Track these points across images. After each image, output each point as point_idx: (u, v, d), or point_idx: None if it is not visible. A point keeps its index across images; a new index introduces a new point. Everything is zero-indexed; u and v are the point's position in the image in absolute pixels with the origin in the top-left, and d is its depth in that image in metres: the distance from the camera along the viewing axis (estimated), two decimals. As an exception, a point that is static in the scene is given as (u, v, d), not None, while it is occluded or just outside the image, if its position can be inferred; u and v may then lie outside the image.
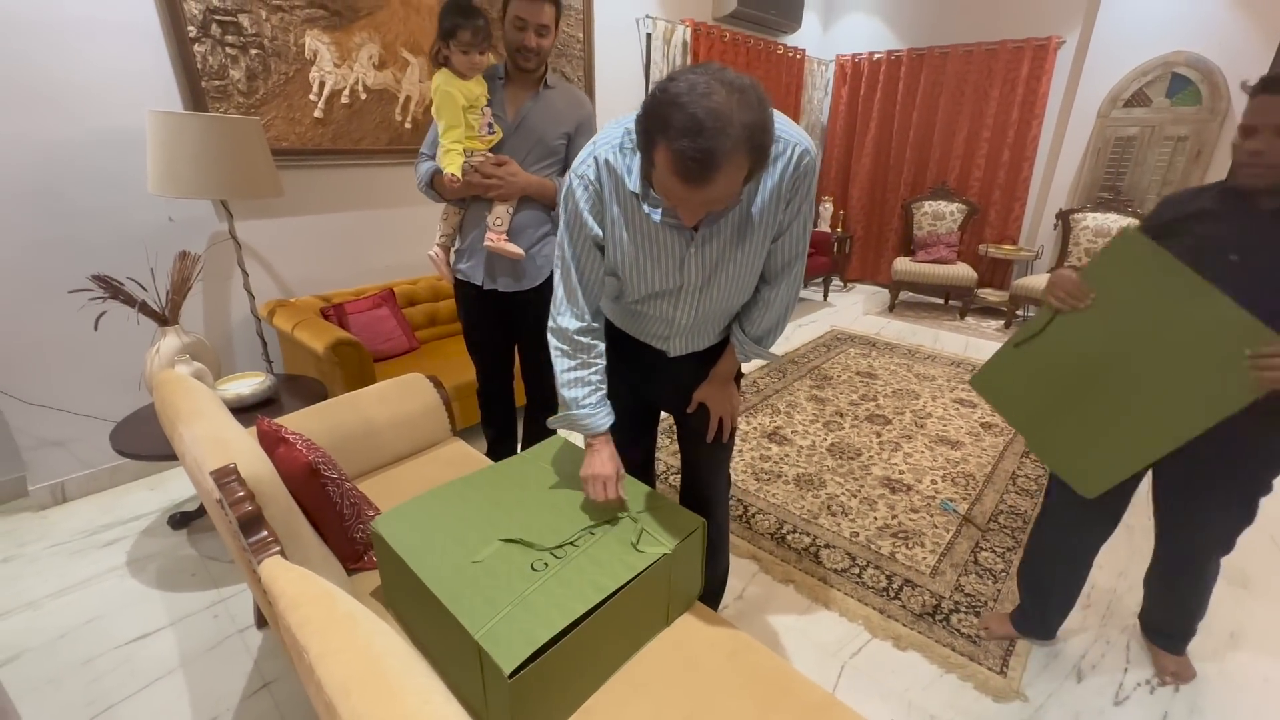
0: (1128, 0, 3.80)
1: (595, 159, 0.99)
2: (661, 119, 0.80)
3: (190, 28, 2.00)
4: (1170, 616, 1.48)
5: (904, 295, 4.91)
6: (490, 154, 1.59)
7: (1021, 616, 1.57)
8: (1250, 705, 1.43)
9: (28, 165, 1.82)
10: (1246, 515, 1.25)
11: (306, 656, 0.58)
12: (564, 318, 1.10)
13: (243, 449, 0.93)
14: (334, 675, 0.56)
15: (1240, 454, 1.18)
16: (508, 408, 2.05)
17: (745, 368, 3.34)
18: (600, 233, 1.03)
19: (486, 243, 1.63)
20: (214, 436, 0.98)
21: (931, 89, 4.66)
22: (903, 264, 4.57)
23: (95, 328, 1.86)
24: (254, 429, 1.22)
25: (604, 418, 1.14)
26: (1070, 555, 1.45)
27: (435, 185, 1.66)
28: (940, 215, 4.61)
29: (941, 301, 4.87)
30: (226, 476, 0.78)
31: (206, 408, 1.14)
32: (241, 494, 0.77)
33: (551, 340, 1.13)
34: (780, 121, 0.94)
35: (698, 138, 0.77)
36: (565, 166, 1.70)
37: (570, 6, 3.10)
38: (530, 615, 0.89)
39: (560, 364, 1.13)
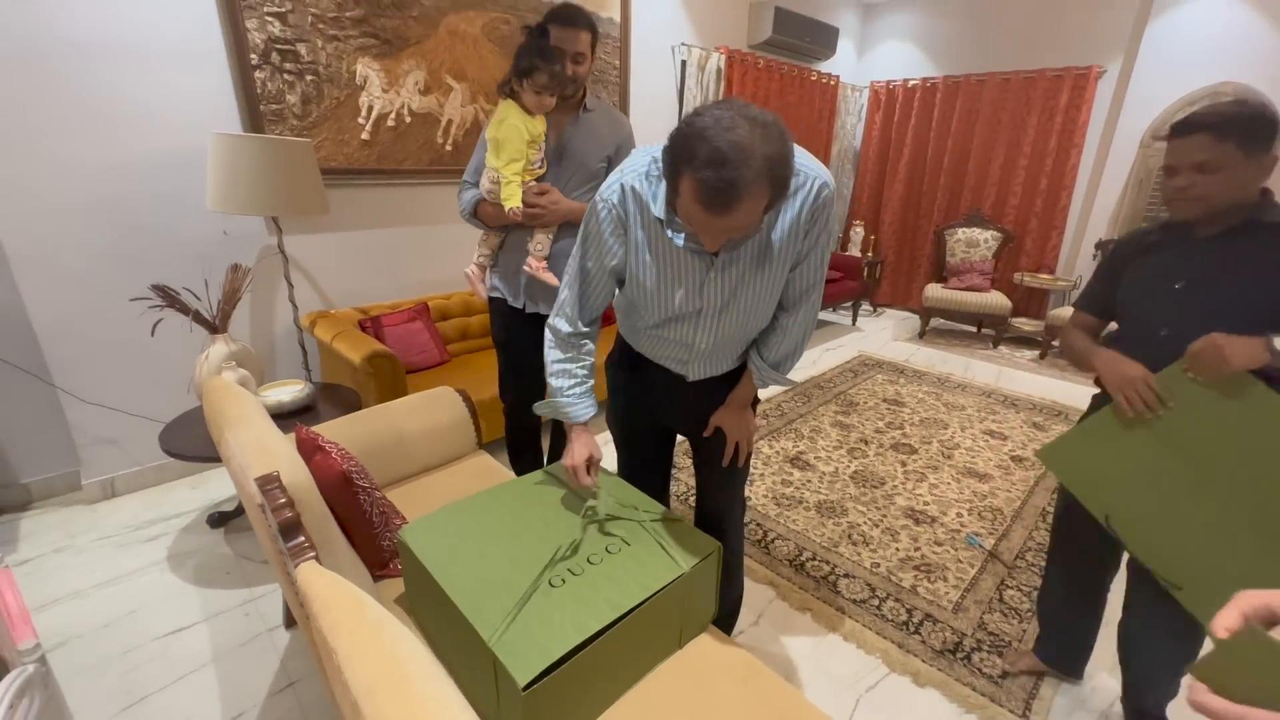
0: (1171, 31, 3.74)
1: (622, 185, 1.04)
2: (687, 151, 0.84)
3: (253, 55, 2.13)
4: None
5: (935, 322, 4.84)
6: (534, 182, 1.63)
7: (1042, 647, 1.55)
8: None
9: (98, 182, 1.96)
10: None
11: (335, 658, 0.62)
12: (560, 320, 1.19)
13: (284, 456, 0.99)
14: (360, 677, 0.60)
15: None
16: (535, 443, 2.05)
17: (765, 393, 3.34)
18: (617, 255, 1.09)
19: (526, 269, 1.67)
20: (258, 443, 1.04)
21: (967, 116, 4.64)
22: (934, 290, 4.52)
23: (152, 334, 1.98)
24: (293, 436, 1.29)
25: (584, 409, 1.21)
26: (1082, 588, 1.44)
27: (480, 214, 1.70)
28: (974, 242, 4.56)
29: (974, 329, 4.79)
30: (270, 484, 0.84)
31: (251, 414, 1.21)
32: (283, 500, 0.82)
33: (547, 334, 1.22)
34: (800, 155, 0.98)
35: (721, 169, 0.81)
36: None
37: (607, 35, 3.21)
38: (546, 630, 0.92)
39: (551, 354, 1.21)
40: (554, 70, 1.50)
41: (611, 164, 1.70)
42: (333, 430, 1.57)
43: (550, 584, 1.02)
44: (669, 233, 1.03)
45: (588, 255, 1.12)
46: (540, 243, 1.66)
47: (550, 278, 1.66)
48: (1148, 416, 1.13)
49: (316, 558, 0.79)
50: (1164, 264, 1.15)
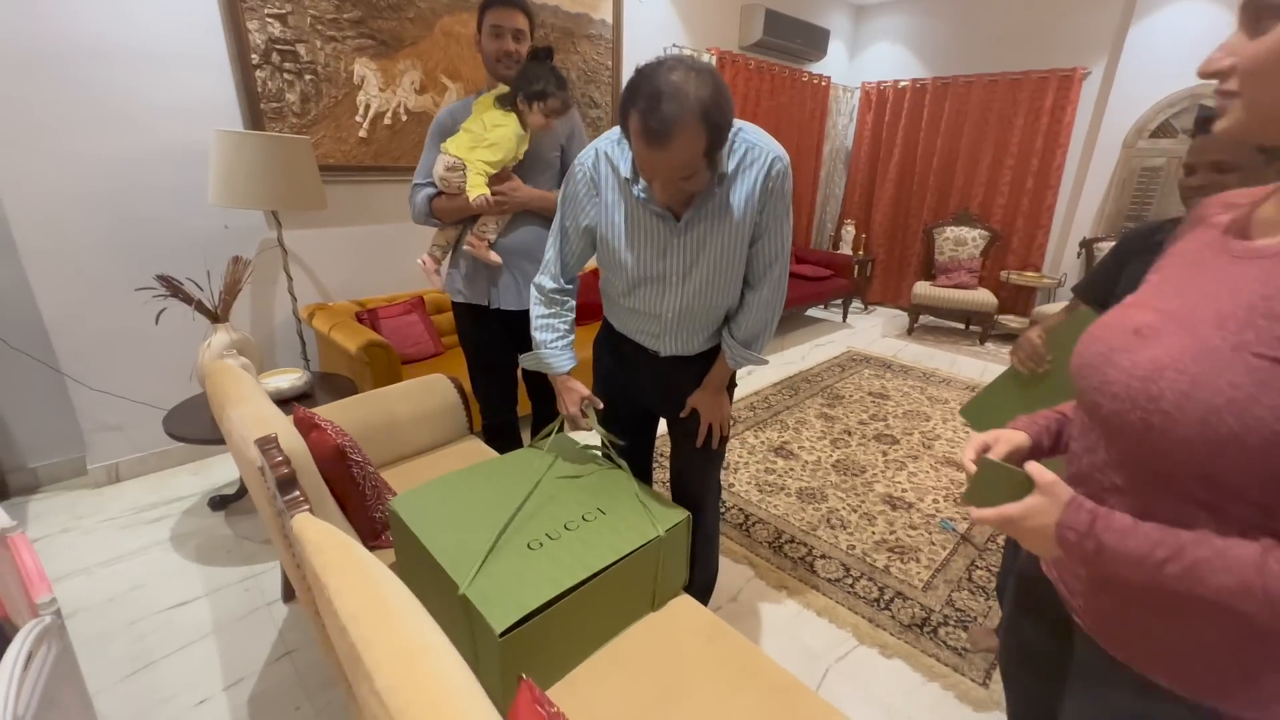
0: (1154, 34, 3.82)
1: (596, 150, 1.18)
2: (632, 91, 0.96)
3: (254, 56, 2.21)
4: None
5: (924, 319, 4.92)
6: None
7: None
8: None
9: (104, 177, 2.04)
10: None
11: (326, 591, 0.70)
12: (544, 278, 1.31)
13: (282, 426, 1.06)
14: (347, 606, 0.68)
15: None
16: (514, 437, 2.08)
17: (752, 385, 3.42)
18: (589, 215, 1.21)
19: (466, 246, 1.70)
20: (257, 417, 1.12)
21: (956, 117, 4.72)
22: (923, 288, 4.60)
23: (156, 322, 2.06)
24: (291, 416, 1.37)
25: (565, 360, 1.33)
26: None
27: (435, 210, 1.74)
28: (962, 241, 4.64)
29: (962, 326, 4.87)
30: (268, 444, 0.92)
31: (251, 394, 1.29)
32: (280, 458, 0.90)
33: (532, 291, 1.34)
34: (756, 133, 1.10)
35: (658, 103, 0.92)
36: (558, 176, 1.77)
37: (600, 36, 3.29)
38: (522, 585, 1.00)
39: (536, 310, 1.33)
40: (565, 98, 1.61)
41: (565, 152, 1.77)
42: (329, 412, 1.65)
43: (529, 547, 1.10)
44: (635, 190, 1.12)
45: (565, 215, 1.25)
46: (485, 224, 1.69)
47: (492, 256, 1.70)
48: (1038, 370, 1.23)
49: (311, 510, 0.87)
50: None
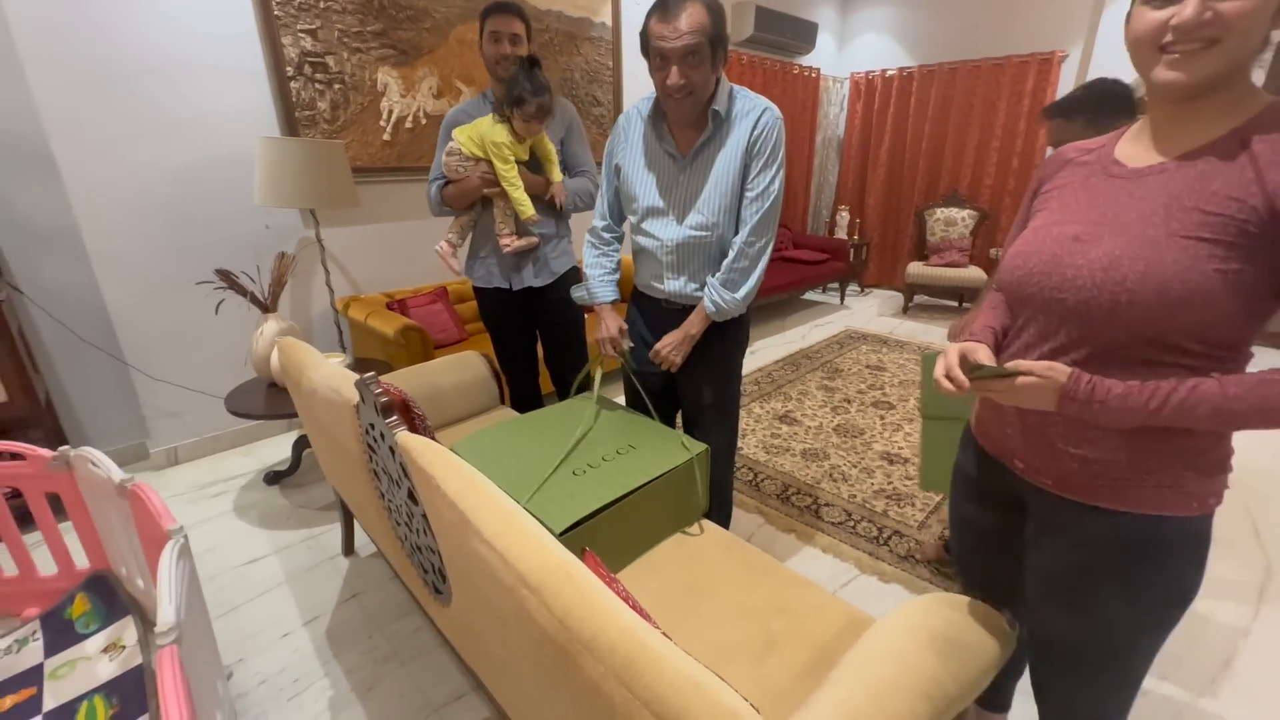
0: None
1: (632, 107, 1.49)
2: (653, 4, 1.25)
3: (289, 68, 2.42)
4: None
5: (918, 298, 5.11)
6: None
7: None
8: (1186, 642, 1.63)
9: (162, 184, 2.25)
10: None
11: (434, 481, 0.90)
12: (596, 219, 1.60)
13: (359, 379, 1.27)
14: (452, 488, 0.87)
15: None
16: (536, 407, 2.30)
17: (757, 362, 3.60)
18: (620, 155, 1.49)
19: (505, 249, 1.90)
20: (338, 373, 1.32)
21: (942, 102, 4.91)
22: (916, 268, 4.79)
23: (216, 312, 2.27)
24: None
25: (608, 292, 1.59)
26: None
27: (445, 198, 1.93)
28: (952, 221, 4.83)
29: (955, 304, 5.06)
30: (369, 380, 1.12)
31: (321, 361, 1.49)
32: (380, 390, 1.10)
33: (587, 237, 1.62)
34: (748, 92, 1.38)
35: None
36: (563, 166, 1.96)
37: (600, 38, 3.49)
38: (573, 500, 1.20)
39: (589, 253, 1.62)
40: (542, 102, 1.73)
41: (565, 144, 1.96)
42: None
43: (574, 473, 1.30)
44: (653, 130, 1.42)
45: (607, 161, 1.54)
46: (500, 222, 1.89)
47: (526, 242, 1.91)
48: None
49: (409, 429, 1.06)
50: None
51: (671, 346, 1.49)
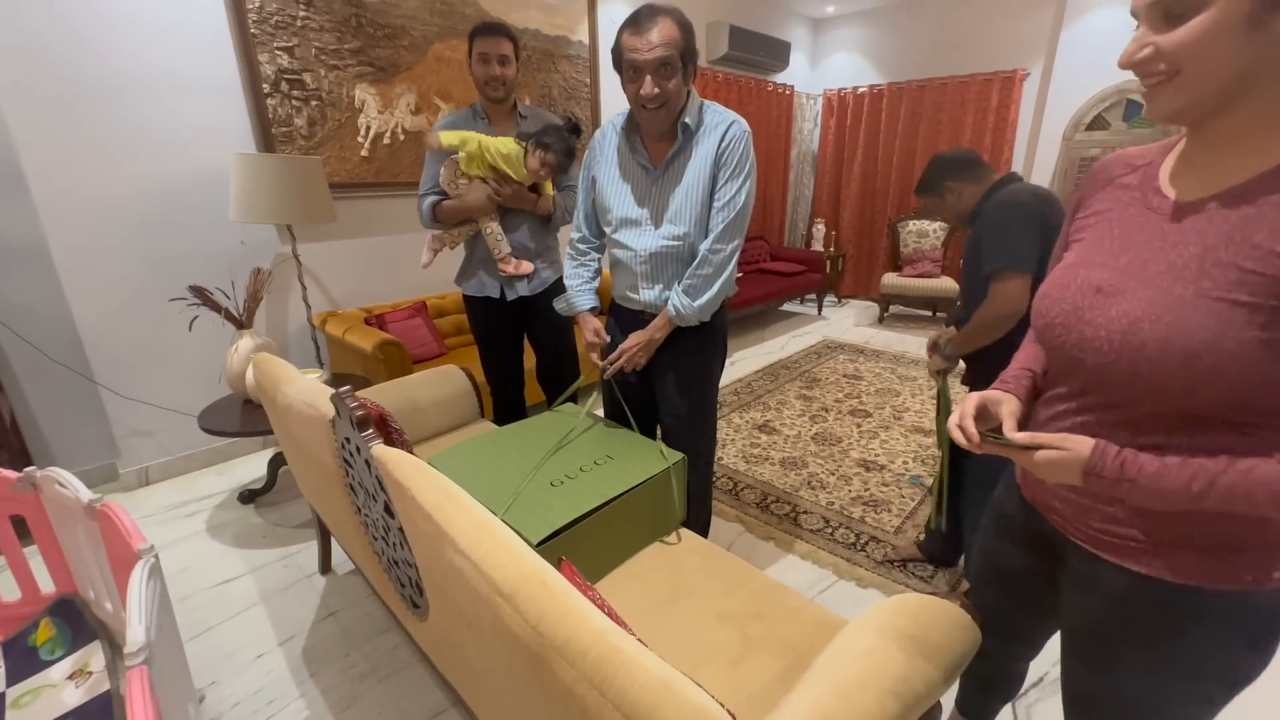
0: (1082, 36, 4.19)
1: (607, 123, 1.54)
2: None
3: (265, 85, 2.42)
4: None
5: (894, 308, 5.22)
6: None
7: (925, 544, 1.90)
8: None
9: (136, 200, 2.23)
10: None
11: (409, 492, 0.90)
12: (574, 232, 1.66)
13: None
14: (428, 500, 0.88)
15: None
16: (520, 415, 2.32)
17: (736, 372, 3.66)
18: (595, 167, 1.54)
19: (505, 270, 1.96)
20: (314, 388, 1.32)
21: (912, 118, 5.06)
22: (890, 279, 4.90)
23: (189, 329, 2.24)
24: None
25: (586, 300, 1.64)
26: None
27: (439, 214, 1.96)
28: (924, 233, 4.95)
29: (929, 313, 5.17)
30: (344, 394, 1.12)
31: (297, 376, 1.48)
32: (356, 404, 1.10)
33: (567, 249, 1.68)
34: (718, 106, 1.43)
35: (636, 12, 1.30)
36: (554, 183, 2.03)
37: (577, 55, 3.54)
38: (550, 510, 1.21)
39: (568, 265, 1.68)
40: (563, 163, 1.88)
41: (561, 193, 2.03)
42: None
43: (551, 484, 1.31)
44: (627, 145, 1.47)
45: (584, 173, 1.59)
46: (496, 249, 1.95)
47: (525, 266, 1.98)
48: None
49: (384, 443, 1.07)
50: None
51: (635, 348, 1.52)
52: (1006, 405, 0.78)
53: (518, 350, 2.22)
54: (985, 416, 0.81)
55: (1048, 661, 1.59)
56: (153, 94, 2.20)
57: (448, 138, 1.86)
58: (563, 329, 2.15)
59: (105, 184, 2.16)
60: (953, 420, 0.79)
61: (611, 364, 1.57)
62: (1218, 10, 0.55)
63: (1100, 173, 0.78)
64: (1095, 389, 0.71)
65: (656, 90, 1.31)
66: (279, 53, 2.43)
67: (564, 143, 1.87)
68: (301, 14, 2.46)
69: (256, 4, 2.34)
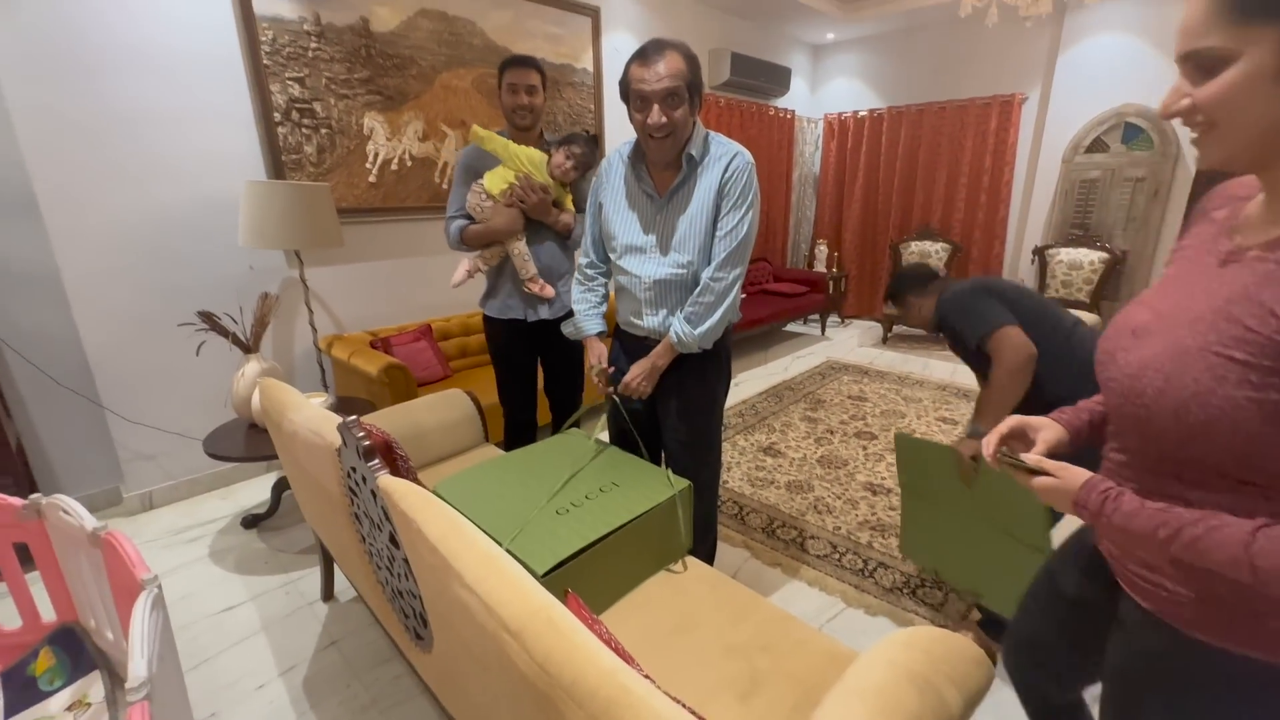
0: (1080, 61, 4.25)
1: (614, 151, 1.56)
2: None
3: (276, 114, 2.47)
4: None
5: (897, 328, 5.22)
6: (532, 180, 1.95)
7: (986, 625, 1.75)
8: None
9: (147, 227, 2.26)
10: None
11: (415, 524, 0.90)
12: (582, 259, 1.68)
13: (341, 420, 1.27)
14: (434, 532, 0.88)
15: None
16: (532, 435, 2.34)
17: (741, 394, 3.65)
18: (601, 194, 1.57)
19: (531, 290, 2.00)
20: (320, 415, 1.32)
21: (911, 141, 5.12)
22: (893, 299, 4.90)
23: (197, 353, 2.25)
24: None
25: (594, 325, 1.65)
26: None
27: (466, 237, 2.01)
28: (926, 254, 4.97)
29: (935, 333, 5.16)
30: (352, 424, 1.12)
31: (303, 402, 1.49)
32: (362, 433, 1.10)
33: (575, 274, 1.71)
34: (723, 138, 1.44)
35: (644, 46, 1.34)
36: (576, 205, 2.07)
37: (582, 83, 3.61)
38: (556, 539, 1.20)
39: (575, 289, 1.70)
40: (589, 160, 1.97)
41: (576, 184, 2.06)
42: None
43: (557, 512, 1.30)
44: (633, 172, 1.50)
45: (592, 201, 1.61)
46: (524, 269, 1.98)
47: (549, 290, 2.01)
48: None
49: (390, 472, 1.06)
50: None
51: (639, 376, 1.53)
52: (1045, 431, 0.79)
53: (533, 371, 2.25)
54: (1021, 439, 0.82)
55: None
56: (166, 123, 2.24)
57: (488, 143, 1.93)
58: (577, 352, 2.17)
59: (117, 211, 2.19)
60: (987, 438, 0.81)
61: (617, 385, 1.57)
62: (1246, 64, 0.55)
63: (1204, 202, 0.77)
64: (1120, 429, 0.72)
65: (664, 120, 1.33)
66: (290, 82, 2.49)
67: (587, 144, 1.95)
68: (313, 45, 2.52)
69: (270, 36, 2.40)
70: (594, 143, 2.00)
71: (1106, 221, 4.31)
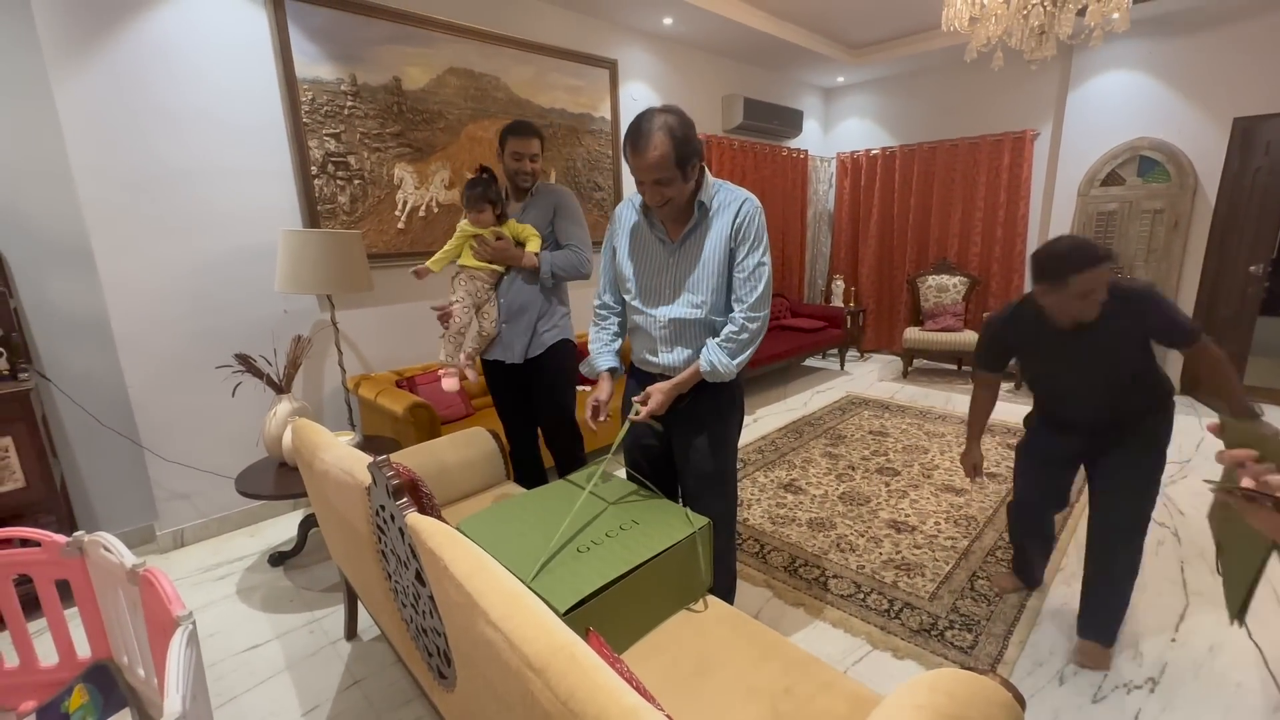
0: (1090, 97, 4.31)
1: (626, 199, 1.63)
2: (628, 129, 1.41)
3: (313, 167, 2.62)
4: (1090, 603, 1.77)
5: (917, 362, 5.18)
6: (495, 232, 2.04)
7: (1014, 567, 2.08)
8: (1221, 706, 1.57)
9: (191, 275, 2.39)
10: (1145, 498, 1.66)
11: (441, 562, 0.93)
12: (597, 298, 1.74)
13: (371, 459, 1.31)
14: (460, 570, 0.90)
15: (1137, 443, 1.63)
16: (538, 470, 2.39)
17: (759, 430, 3.64)
18: (616, 240, 1.65)
19: (438, 311, 2.11)
20: (350, 454, 1.37)
21: (925, 178, 5.18)
22: (913, 333, 4.89)
23: (233, 395, 2.34)
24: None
25: (606, 360, 1.69)
26: (1029, 517, 1.95)
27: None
28: (944, 288, 4.97)
29: (954, 367, 5.12)
30: (383, 463, 1.16)
31: (334, 442, 1.54)
32: (392, 473, 1.14)
33: (592, 314, 1.77)
34: (730, 185, 1.50)
35: (637, 126, 1.39)
36: (554, 244, 2.14)
37: (600, 130, 3.76)
38: (577, 577, 1.21)
39: (591, 329, 1.76)
40: (489, 200, 2.02)
41: (554, 223, 2.13)
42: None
43: (578, 550, 1.32)
44: (646, 221, 1.56)
45: (606, 243, 1.69)
46: (488, 316, 2.10)
47: (448, 382, 2.09)
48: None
49: (418, 510, 1.10)
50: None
51: (658, 398, 1.53)
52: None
53: (529, 411, 2.28)
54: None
55: (1154, 668, 1.72)
56: (212, 178, 2.40)
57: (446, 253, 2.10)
58: (558, 392, 2.20)
59: (164, 262, 2.32)
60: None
61: (638, 410, 1.58)
62: None
63: None
64: None
65: (658, 198, 1.44)
66: (327, 138, 2.64)
67: (474, 188, 2.01)
68: (349, 104, 2.68)
69: (309, 96, 2.57)
70: (480, 181, 2.03)
71: (1127, 253, 4.28)
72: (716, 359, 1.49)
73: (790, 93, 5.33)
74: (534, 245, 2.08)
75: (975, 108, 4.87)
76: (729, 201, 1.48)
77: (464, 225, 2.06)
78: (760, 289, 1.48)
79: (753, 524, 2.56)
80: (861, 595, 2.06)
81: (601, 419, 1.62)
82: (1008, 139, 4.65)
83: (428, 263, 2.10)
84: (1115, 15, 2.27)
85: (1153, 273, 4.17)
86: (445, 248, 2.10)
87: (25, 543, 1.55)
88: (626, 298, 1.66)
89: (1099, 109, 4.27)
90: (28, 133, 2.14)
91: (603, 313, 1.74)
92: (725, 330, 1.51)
